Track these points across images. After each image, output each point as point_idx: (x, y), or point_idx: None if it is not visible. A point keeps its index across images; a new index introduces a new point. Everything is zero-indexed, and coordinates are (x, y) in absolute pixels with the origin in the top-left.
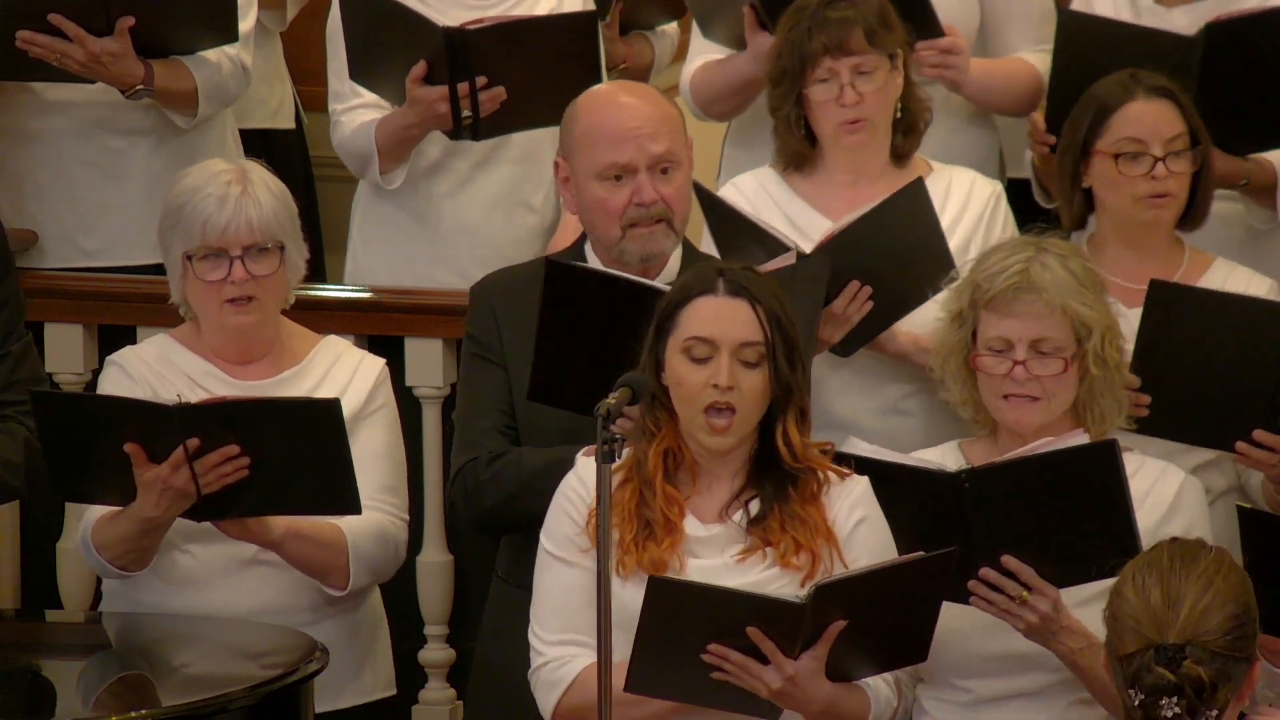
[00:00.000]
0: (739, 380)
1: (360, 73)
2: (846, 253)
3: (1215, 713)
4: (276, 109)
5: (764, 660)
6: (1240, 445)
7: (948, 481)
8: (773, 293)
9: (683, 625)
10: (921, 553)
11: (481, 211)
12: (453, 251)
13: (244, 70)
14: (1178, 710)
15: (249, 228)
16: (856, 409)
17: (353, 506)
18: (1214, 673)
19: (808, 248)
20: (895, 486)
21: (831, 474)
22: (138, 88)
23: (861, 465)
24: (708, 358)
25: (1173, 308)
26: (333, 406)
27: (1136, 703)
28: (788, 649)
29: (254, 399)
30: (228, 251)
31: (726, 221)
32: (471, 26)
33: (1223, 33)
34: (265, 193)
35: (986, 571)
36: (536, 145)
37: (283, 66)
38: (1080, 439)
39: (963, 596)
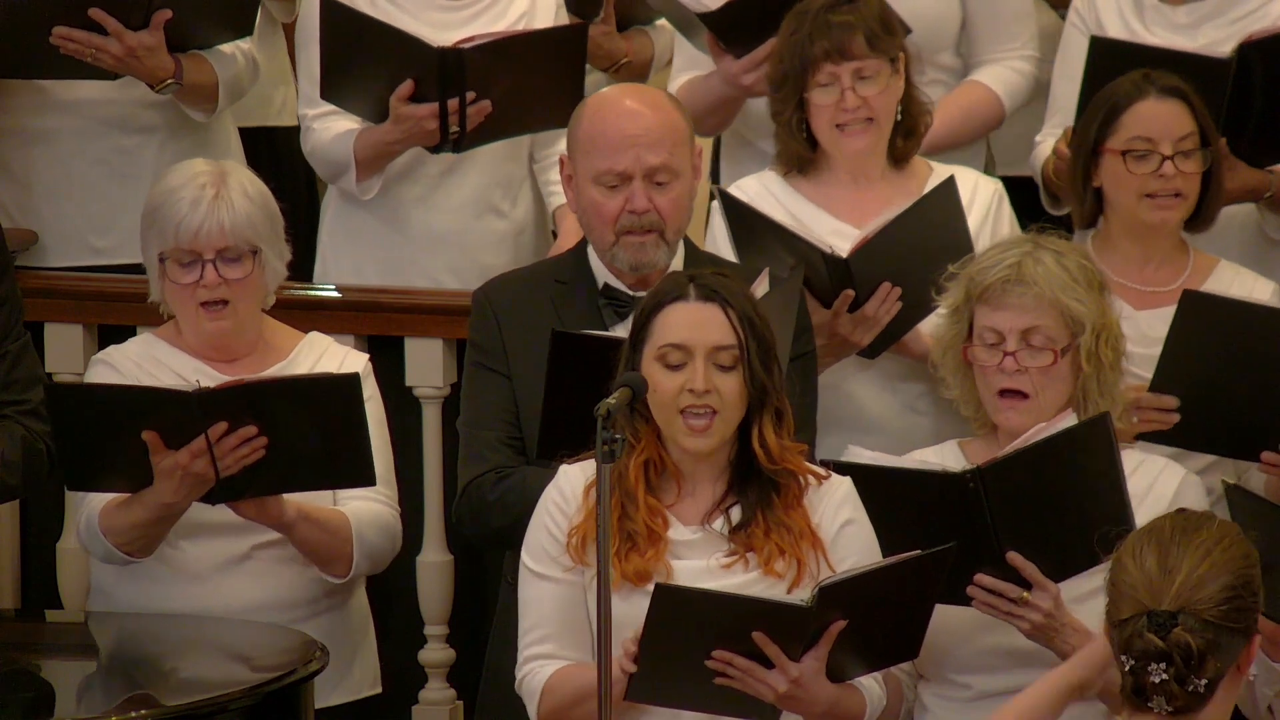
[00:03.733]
0: (715, 384)
1: (332, 91)
2: (878, 254)
3: (1204, 682)
4: (280, 107)
5: (767, 664)
6: (1267, 455)
7: (953, 482)
8: (745, 295)
9: (687, 632)
10: (919, 551)
11: (451, 217)
12: (423, 257)
13: (255, 64)
14: (1165, 677)
15: (220, 231)
16: (876, 409)
17: (368, 478)
18: (1204, 642)
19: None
20: (899, 491)
21: (811, 476)
22: (167, 82)
23: (864, 473)
24: (682, 364)
25: (1203, 318)
26: (352, 381)
27: (1127, 668)
28: (791, 652)
29: (274, 378)
30: (200, 254)
31: (751, 227)
32: (466, 45)
33: (1256, 50)
34: (240, 196)
35: (981, 577)
36: (506, 150)
37: (287, 64)
38: (1070, 419)
39: (965, 599)
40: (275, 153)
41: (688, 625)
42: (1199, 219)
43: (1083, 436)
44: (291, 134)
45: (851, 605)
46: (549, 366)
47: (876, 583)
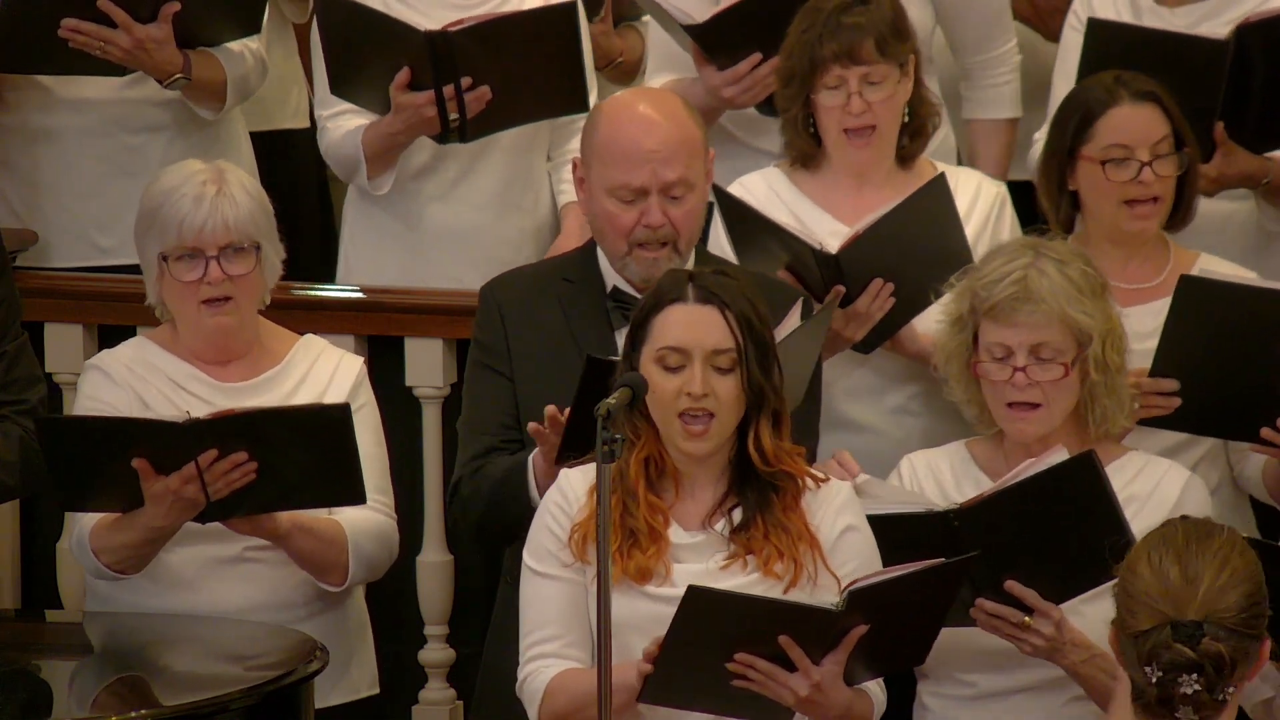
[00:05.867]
0: (713, 387)
1: (341, 86)
2: (869, 250)
3: (1231, 689)
4: (295, 109)
5: (788, 666)
6: (1265, 431)
7: (938, 522)
8: (745, 296)
9: (713, 634)
10: (943, 559)
11: (471, 214)
12: (444, 255)
13: (263, 64)
14: (1198, 687)
15: (225, 227)
16: (868, 411)
17: (358, 498)
18: (1232, 649)
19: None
20: (890, 532)
21: (809, 479)
22: (176, 76)
23: None
24: (680, 366)
25: (1200, 302)
26: (343, 412)
27: (1154, 680)
28: (813, 656)
29: (264, 410)
30: (204, 251)
31: (746, 224)
32: (453, 29)
33: (1254, 33)
34: (241, 192)
35: (982, 602)
36: (525, 145)
37: (299, 65)
38: (1060, 455)
39: (969, 621)
40: (291, 156)
41: (715, 627)
42: (1176, 218)
43: (1067, 474)
44: (304, 135)
45: (876, 610)
46: (578, 388)
47: (904, 588)
